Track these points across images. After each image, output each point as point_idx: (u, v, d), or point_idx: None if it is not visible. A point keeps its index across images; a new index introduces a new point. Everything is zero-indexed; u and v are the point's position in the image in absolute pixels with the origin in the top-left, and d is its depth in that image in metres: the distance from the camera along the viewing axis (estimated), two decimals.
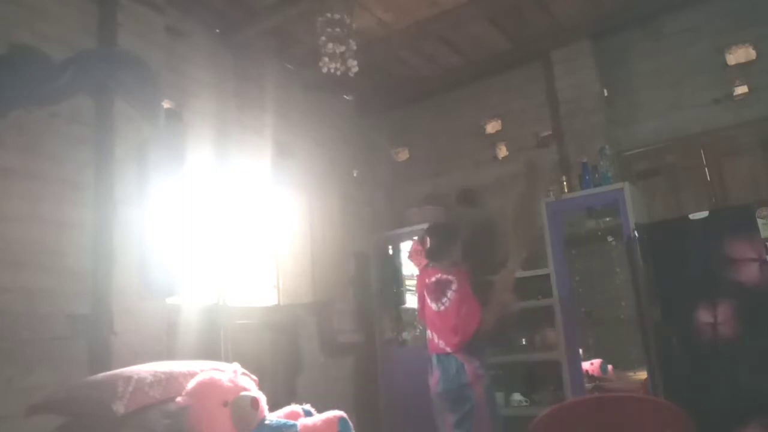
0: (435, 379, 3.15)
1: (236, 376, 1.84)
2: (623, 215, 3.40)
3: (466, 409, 3.01)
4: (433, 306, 3.14)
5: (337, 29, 3.00)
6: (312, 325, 4.11)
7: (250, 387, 1.86)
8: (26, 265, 2.45)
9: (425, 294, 3.22)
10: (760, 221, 2.79)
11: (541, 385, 3.78)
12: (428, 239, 3.25)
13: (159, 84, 2.97)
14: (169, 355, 2.76)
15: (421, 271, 3.31)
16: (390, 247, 4.67)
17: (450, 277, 3.08)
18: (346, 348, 4.34)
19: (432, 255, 3.21)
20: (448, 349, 3.02)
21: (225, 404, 1.73)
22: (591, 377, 3.56)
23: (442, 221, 3.61)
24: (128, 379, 1.77)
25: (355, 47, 3.03)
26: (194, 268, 3.28)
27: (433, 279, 3.14)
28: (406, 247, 4.30)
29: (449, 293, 3.05)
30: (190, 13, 3.58)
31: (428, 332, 3.18)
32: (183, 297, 3.06)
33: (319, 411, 1.93)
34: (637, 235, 3.11)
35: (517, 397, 3.75)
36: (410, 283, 4.48)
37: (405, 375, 4.10)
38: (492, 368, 3.70)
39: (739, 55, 3.83)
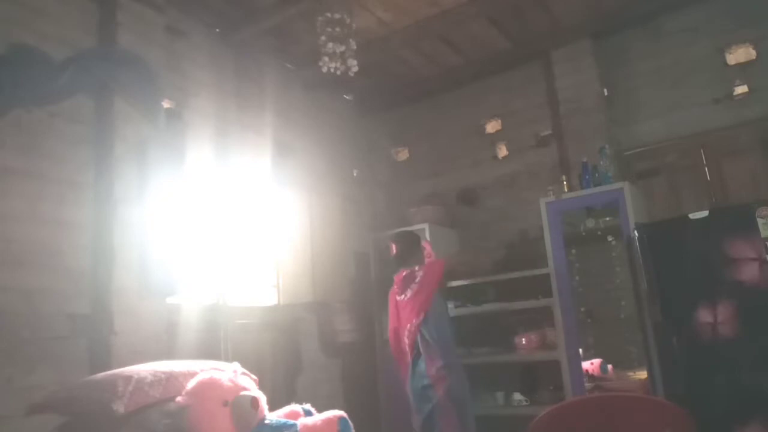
0: (407, 380, 3.24)
1: (236, 376, 1.84)
2: (623, 215, 3.39)
3: (427, 411, 3.08)
4: (403, 297, 3.36)
5: (337, 29, 2.99)
6: (312, 324, 4.11)
7: (250, 386, 1.86)
8: (26, 265, 2.45)
9: (395, 298, 3.43)
10: (760, 221, 2.79)
11: (541, 385, 3.78)
12: (394, 246, 3.44)
13: (159, 83, 2.97)
14: (169, 354, 2.76)
15: (391, 292, 3.53)
16: None
17: (415, 269, 3.38)
18: (347, 348, 4.34)
19: (399, 260, 3.51)
20: (411, 326, 3.21)
21: (225, 404, 1.73)
22: (591, 377, 3.55)
23: (406, 229, 3.92)
24: (128, 378, 1.77)
25: (355, 47, 3.03)
26: (194, 268, 3.28)
27: (402, 276, 3.41)
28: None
29: (417, 278, 3.32)
30: (190, 12, 3.58)
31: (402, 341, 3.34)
32: (183, 297, 3.06)
33: (319, 410, 1.93)
34: (637, 234, 3.11)
35: (517, 396, 3.75)
36: None
37: None
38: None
39: (739, 54, 3.83)
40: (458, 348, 3.96)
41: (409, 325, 3.25)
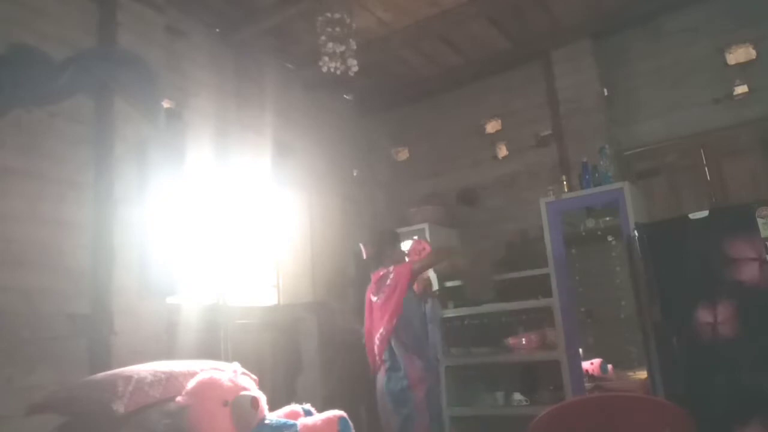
0: (381, 378, 3.22)
1: (236, 376, 1.84)
2: (623, 215, 3.39)
3: (405, 413, 3.06)
4: (377, 298, 3.35)
5: (337, 29, 3.00)
6: (312, 324, 4.11)
7: (250, 386, 1.86)
8: (26, 265, 2.45)
9: (371, 298, 3.42)
10: (760, 221, 2.78)
11: (541, 385, 3.78)
12: (364, 248, 3.42)
13: (159, 83, 2.97)
14: (169, 354, 2.75)
15: (368, 290, 3.50)
16: None
17: (389, 269, 3.34)
18: (346, 348, 4.33)
19: (373, 261, 3.51)
20: (384, 332, 3.19)
21: (225, 404, 1.73)
22: (591, 377, 3.55)
23: (381, 228, 3.87)
24: (128, 378, 1.77)
25: (354, 47, 3.03)
26: (194, 267, 3.28)
27: (379, 275, 3.38)
28: (406, 246, 4.29)
29: (388, 281, 3.30)
30: (190, 12, 3.58)
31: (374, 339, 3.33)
32: (183, 296, 3.06)
33: (319, 410, 1.93)
34: (636, 234, 3.11)
35: (517, 396, 3.74)
36: None
37: None
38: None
39: (739, 54, 3.83)
40: (456, 348, 3.99)
41: (381, 330, 3.23)
